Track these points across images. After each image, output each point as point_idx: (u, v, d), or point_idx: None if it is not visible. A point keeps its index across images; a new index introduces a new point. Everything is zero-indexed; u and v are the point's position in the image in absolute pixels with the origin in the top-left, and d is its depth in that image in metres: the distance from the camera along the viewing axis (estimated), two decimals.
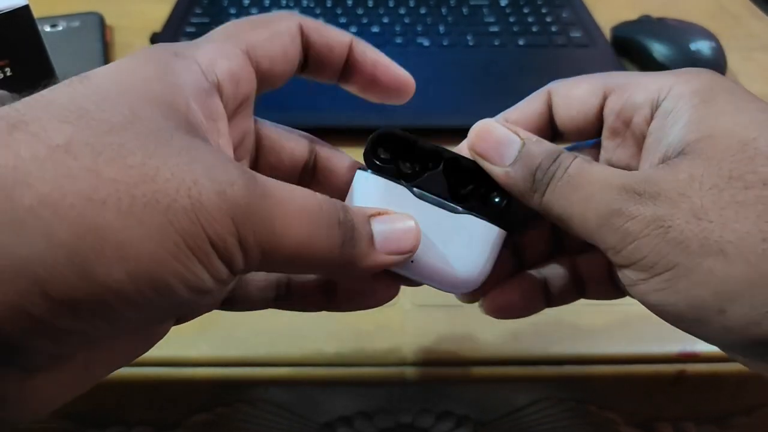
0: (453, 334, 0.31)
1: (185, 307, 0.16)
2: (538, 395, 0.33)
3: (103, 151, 0.13)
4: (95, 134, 0.14)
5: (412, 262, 0.20)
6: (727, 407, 0.35)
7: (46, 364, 0.15)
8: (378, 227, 0.19)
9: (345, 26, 0.54)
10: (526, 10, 0.57)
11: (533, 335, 0.31)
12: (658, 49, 0.49)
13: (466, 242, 0.21)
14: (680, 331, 0.31)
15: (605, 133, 0.23)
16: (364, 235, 0.18)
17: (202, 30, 0.54)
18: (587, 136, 0.23)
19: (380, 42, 0.52)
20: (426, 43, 0.52)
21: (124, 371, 0.29)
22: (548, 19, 0.56)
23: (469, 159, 0.22)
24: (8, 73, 0.38)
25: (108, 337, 0.15)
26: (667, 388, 0.32)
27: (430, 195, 0.21)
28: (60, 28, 0.53)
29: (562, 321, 0.31)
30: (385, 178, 0.20)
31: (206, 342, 0.30)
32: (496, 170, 0.21)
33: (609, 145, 0.23)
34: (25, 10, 0.39)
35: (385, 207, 0.19)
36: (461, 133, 0.45)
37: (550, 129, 0.24)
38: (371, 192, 0.20)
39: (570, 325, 0.31)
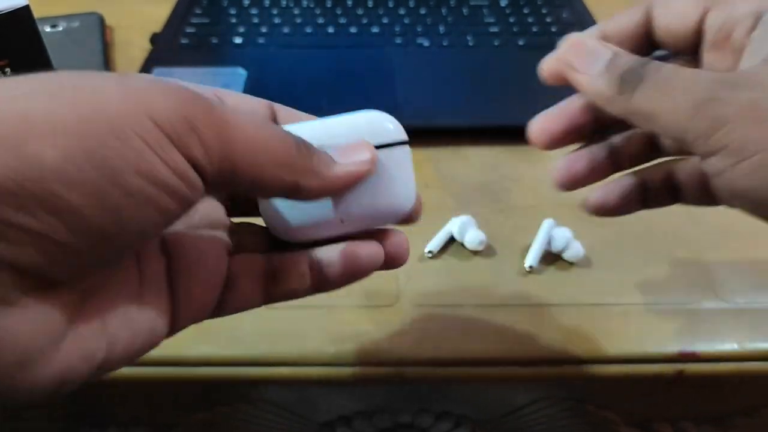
0: (451, 334, 0.31)
1: (145, 204, 0.15)
2: (537, 395, 0.33)
3: (50, 77, 0.15)
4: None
5: (342, 222, 0.21)
6: (726, 407, 0.35)
7: (11, 285, 0.14)
8: (331, 150, 0.19)
9: (345, 27, 0.54)
10: (526, 11, 0.57)
11: (531, 335, 0.31)
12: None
13: (380, 175, 0.21)
14: (679, 331, 0.31)
15: (705, 46, 0.23)
16: (319, 151, 0.19)
17: (201, 30, 0.54)
18: (684, 50, 0.24)
19: (380, 42, 0.52)
20: (426, 43, 0.52)
21: (125, 371, 0.29)
22: (548, 20, 0.56)
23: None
24: (8, 73, 0.38)
25: (76, 249, 0.14)
26: (666, 387, 0.32)
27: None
28: (60, 28, 0.53)
29: (560, 321, 0.31)
30: None
31: (206, 342, 0.30)
32: (581, 77, 0.22)
33: (708, 59, 0.23)
34: (26, 10, 0.39)
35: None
36: (461, 134, 0.45)
37: (647, 40, 0.24)
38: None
39: (568, 325, 0.31)
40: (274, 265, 0.21)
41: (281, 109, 0.23)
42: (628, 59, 0.21)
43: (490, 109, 0.45)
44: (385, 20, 0.55)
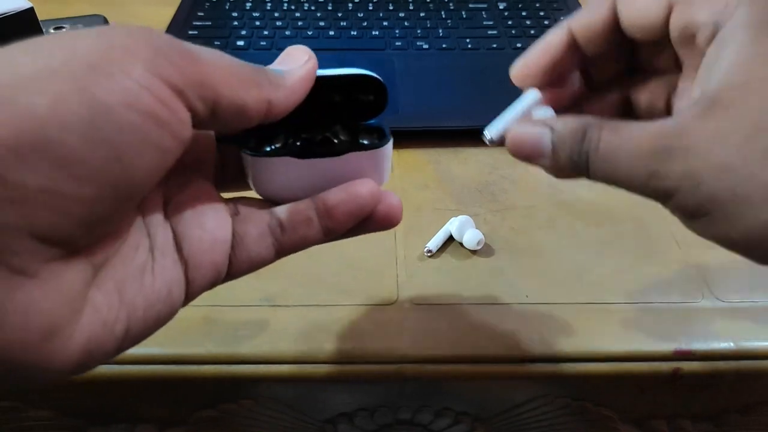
0: (451, 333, 0.31)
1: (139, 138, 0.15)
2: (535, 392, 0.33)
3: (30, 41, 0.15)
4: None
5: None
6: (723, 405, 0.35)
7: (29, 255, 0.14)
8: (274, 66, 0.20)
9: (346, 29, 0.55)
10: (523, 14, 0.57)
11: (530, 333, 0.31)
12: None
13: (367, 172, 0.22)
14: (675, 329, 0.31)
15: (674, 40, 0.23)
16: (267, 68, 0.20)
17: (204, 33, 0.54)
18: (656, 40, 0.24)
19: (380, 45, 0.53)
20: (425, 46, 0.53)
21: (131, 369, 0.30)
22: (546, 23, 0.56)
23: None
24: None
25: (85, 200, 0.14)
26: (662, 385, 0.32)
27: (312, 150, 0.21)
28: (64, 30, 0.53)
29: (557, 319, 0.32)
30: (265, 155, 0.21)
31: (211, 340, 0.31)
32: (543, 164, 0.22)
33: (680, 53, 0.23)
34: (30, 12, 0.40)
35: (282, 181, 0.21)
36: (460, 135, 0.45)
37: (617, 33, 0.24)
38: (265, 172, 0.21)
39: (566, 323, 0.32)
40: (279, 218, 0.21)
41: None
42: (567, 133, 0.21)
43: (489, 111, 0.46)
44: (385, 23, 0.56)
